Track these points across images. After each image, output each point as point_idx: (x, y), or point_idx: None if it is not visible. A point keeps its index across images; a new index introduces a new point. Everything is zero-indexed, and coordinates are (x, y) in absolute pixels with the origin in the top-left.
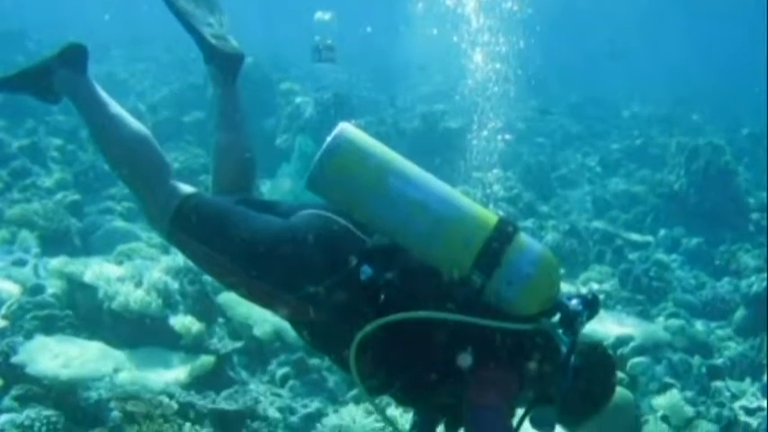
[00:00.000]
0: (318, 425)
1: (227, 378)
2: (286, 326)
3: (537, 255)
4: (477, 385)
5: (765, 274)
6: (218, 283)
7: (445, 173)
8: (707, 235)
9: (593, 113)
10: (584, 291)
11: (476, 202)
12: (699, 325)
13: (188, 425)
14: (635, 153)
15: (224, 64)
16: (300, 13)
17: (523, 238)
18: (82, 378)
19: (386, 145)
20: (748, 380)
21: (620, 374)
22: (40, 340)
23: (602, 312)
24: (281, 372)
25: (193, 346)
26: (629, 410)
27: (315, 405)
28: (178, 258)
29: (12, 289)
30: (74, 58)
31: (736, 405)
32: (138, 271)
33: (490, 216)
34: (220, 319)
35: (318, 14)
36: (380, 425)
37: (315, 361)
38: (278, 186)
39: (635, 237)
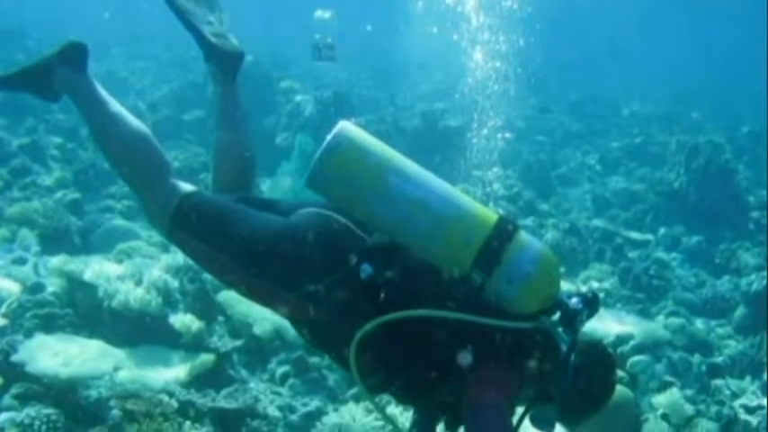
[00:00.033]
0: (318, 423)
1: (227, 376)
2: (286, 324)
3: (537, 253)
4: (477, 383)
5: (765, 273)
6: (218, 282)
7: (445, 171)
8: (707, 233)
9: (593, 112)
10: (584, 289)
11: (476, 200)
12: (699, 323)
13: (188, 423)
14: (635, 151)
15: (224, 62)
16: (300, 11)
17: (523, 236)
18: (82, 376)
19: (386, 143)
20: (748, 378)
21: (620, 373)
22: (40, 339)
23: (602, 311)
24: (280, 370)
25: (193, 345)
26: (629, 409)
27: (315, 403)
28: (178, 257)
29: (12, 287)
30: (74, 56)
31: (737, 403)
32: (137, 269)
33: (490, 214)
34: (220, 318)
35: (318, 13)
36: (380, 423)
37: (315, 359)
38: (278, 185)
39: (635, 235)
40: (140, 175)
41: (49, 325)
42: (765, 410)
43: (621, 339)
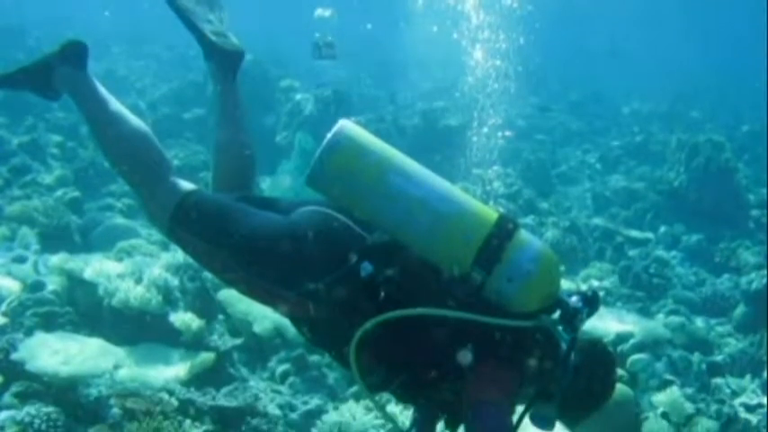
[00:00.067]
0: (318, 422)
1: (227, 375)
2: (286, 323)
3: (537, 251)
4: (477, 382)
5: (765, 271)
6: (219, 280)
7: (445, 170)
8: (707, 232)
9: (593, 110)
10: (584, 288)
11: (476, 199)
12: (699, 322)
13: (188, 422)
14: (635, 150)
15: (224, 61)
16: (301, 9)
17: (524, 234)
18: (82, 375)
19: (386, 142)
20: (748, 377)
21: (620, 371)
22: (40, 337)
23: (602, 309)
24: (281, 368)
25: (193, 343)
26: (629, 407)
27: (315, 402)
28: (178, 255)
29: (12, 286)
30: (74, 55)
31: (736, 402)
32: (138, 268)
33: (490, 213)
34: (220, 316)
35: (318, 11)
36: (380, 422)
37: (315, 358)
38: (278, 183)
39: (635, 233)
40: (140, 173)
41: (50, 323)
42: (765, 409)
43: (621, 338)
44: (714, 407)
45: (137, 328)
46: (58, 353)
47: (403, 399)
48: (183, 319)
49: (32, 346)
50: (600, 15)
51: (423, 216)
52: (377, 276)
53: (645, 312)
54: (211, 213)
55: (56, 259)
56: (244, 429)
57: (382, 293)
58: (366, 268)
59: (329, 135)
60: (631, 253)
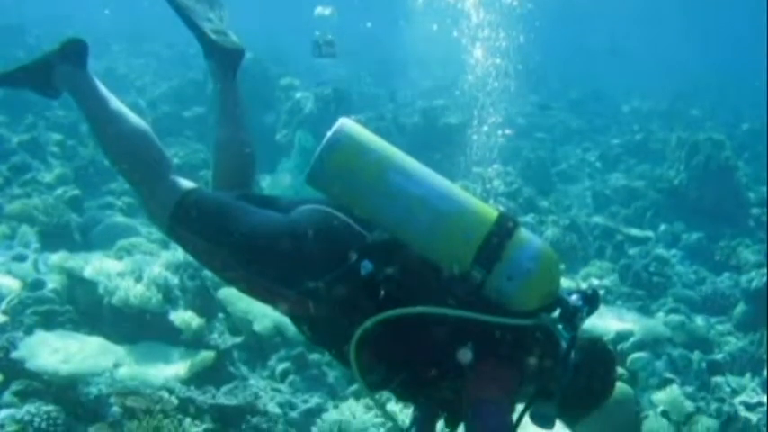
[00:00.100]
0: (318, 420)
1: (227, 373)
2: (286, 321)
3: (537, 250)
4: (477, 380)
5: (765, 270)
6: (219, 278)
7: (445, 168)
8: (707, 230)
9: (593, 109)
10: (584, 286)
11: (476, 197)
12: (699, 320)
13: (188, 420)
14: (635, 148)
15: (224, 59)
16: (301, 7)
17: (524, 233)
18: (82, 373)
19: (386, 140)
20: (748, 375)
21: (620, 370)
22: (40, 335)
23: (602, 308)
24: (281, 367)
25: (193, 342)
26: (629, 406)
27: (315, 400)
28: (178, 253)
29: (12, 284)
30: (74, 53)
31: (737, 400)
32: (138, 266)
33: (490, 211)
34: (220, 315)
35: (318, 9)
36: (380, 420)
37: (315, 356)
38: (278, 181)
39: (635, 232)
40: (140, 171)
41: (49, 322)
42: (765, 407)
43: (621, 336)
44: (714, 405)
45: (137, 326)
46: (58, 351)
47: (403, 397)
48: (183, 317)
49: (32, 345)
50: (600, 14)
51: (423, 214)
52: (377, 275)
53: (645, 311)
54: (211, 212)
55: (56, 257)
56: (244, 428)
57: (382, 292)
58: (366, 267)
59: (329, 133)
60: (631, 251)
